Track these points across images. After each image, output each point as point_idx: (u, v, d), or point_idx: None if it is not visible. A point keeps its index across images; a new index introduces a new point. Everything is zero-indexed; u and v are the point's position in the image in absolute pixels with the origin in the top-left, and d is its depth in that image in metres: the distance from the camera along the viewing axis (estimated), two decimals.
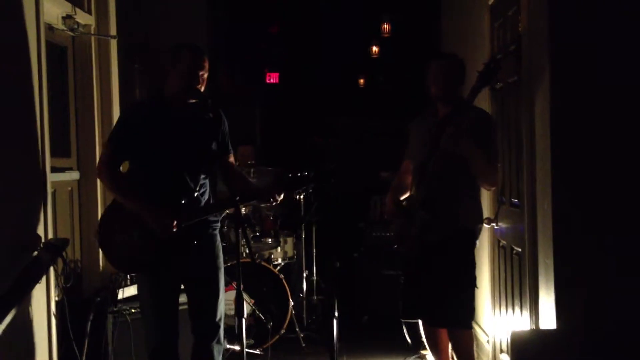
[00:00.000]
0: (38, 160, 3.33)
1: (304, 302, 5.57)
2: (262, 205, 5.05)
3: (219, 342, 3.26)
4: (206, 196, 3.27)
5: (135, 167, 3.24)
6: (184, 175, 3.16)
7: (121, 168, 3.24)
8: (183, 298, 3.33)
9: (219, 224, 3.35)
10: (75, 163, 4.15)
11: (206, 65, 3.15)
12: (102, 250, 3.22)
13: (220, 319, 3.27)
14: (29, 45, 3.26)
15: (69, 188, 4.06)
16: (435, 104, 3.52)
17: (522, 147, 3.39)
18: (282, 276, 4.94)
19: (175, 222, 3.05)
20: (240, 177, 3.40)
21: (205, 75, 3.16)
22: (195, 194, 3.18)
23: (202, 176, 3.23)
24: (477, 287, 3.54)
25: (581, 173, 2.94)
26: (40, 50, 3.35)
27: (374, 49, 9.09)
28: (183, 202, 3.11)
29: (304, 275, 5.66)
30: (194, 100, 3.14)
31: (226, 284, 4.54)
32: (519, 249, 3.50)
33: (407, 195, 3.65)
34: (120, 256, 3.17)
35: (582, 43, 2.94)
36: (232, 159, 3.39)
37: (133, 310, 3.82)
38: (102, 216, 3.32)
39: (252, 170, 5.23)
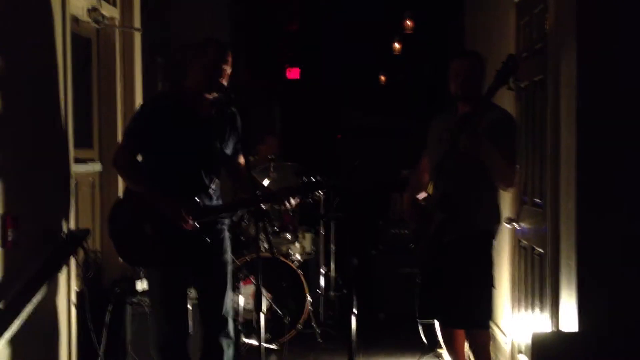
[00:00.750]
0: (62, 151, 3.36)
1: (321, 297, 5.57)
2: (275, 206, 5.05)
3: (227, 336, 3.27)
4: (217, 195, 3.27)
5: (150, 160, 3.23)
6: (199, 172, 3.16)
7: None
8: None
9: (227, 219, 3.35)
10: (97, 154, 4.18)
11: (230, 60, 3.16)
12: (111, 240, 3.23)
13: (227, 313, 3.27)
14: (55, 37, 3.28)
15: (91, 179, 4.09)
16: (456, 101, 3.50)
17: (546, 146, 3.36)
18: (300, 271, 4.94)
19: (189, 219, 3.06)
20: (250, 177, 3.37)
21: (229, 71, 3.16)
22: (210, 191, 3.18)
23: (214, 174, 3.23)
24: (495, 288, 3.51)
25: (606, 174, 2.90)
26: (66, 42, 3.37)
27: (396, 45, 9.04)
28: (197, 199, 3.11)
29: (322, 271, 5.66)
30: (215, 95, 3.14)
31: (244, 278, 4.58)
32: (541, 250, 3.46)
33: (424, 194, 3.62)
34: (130, 249, 3.19)
35: (610, 42, 2.90)
36: (241, 159, 3.37)
37: (149, 303, 3.83)
38: (112, 209, 3.31)
39: (271, 164, 5.23)
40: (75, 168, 3.60)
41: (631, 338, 2.76)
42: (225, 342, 3.27)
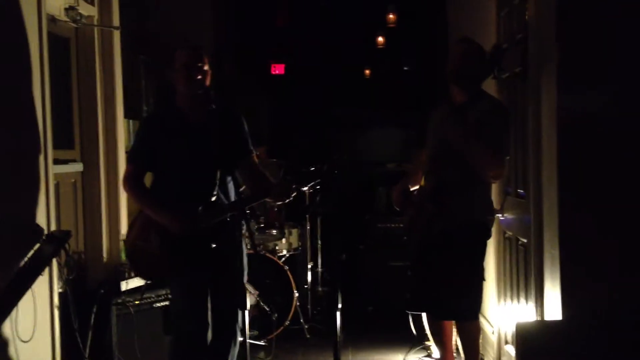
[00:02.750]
0: (41, 152, 3.32)
1: (309, 293, 5.57)
2: (277, 202, 5.03)
3: (235, 343, 3.25)
4: (231, 197, 3.24)
5: (158, 175, 3.30)
6: (203, 178, 3.16)
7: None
8: None
9: (243, 227, 3.29)
10: (78, 155, 4.14)
11: (204, 58, 3.15)
12: (129, 261, 3.31)
13: (239, 325, 3.25)
14: (31, 37, 3.24)
15: (72, 180, 4.05)
16: (452, 90, 3.48)
17: (528, 137, 3.36)
18: (286, 267, 4.94)
19: (194, 226, 3.06)
20: (261, 176, 3.34)
21: (206, 68, 3.14)
22: (214, 196, 3.15)
23: (221, 177, 3.20)
24: (485, 280, 3.51)
25: (588, 164, 2.90)
26: (43, 41, 3.33)
27: (380, 39, 9.03)
28: (200, 207, 3.10)
29: (309, 266, 5.66)
30: (199, 92, 3.12)
31: None
32: (525, 240, 3.47)
33: (418, 185, 3.63)
34: (146, 265, 3.23)
35: (590, 32, 2.90)
36: (254, 158, 3.36)
37: (136, 302, 3.81)
38: (129, 227, 3.39)
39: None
40: (56, 169, 3.56)
41: (613, 326, 2.77)
42: (232, 350, 3.26)
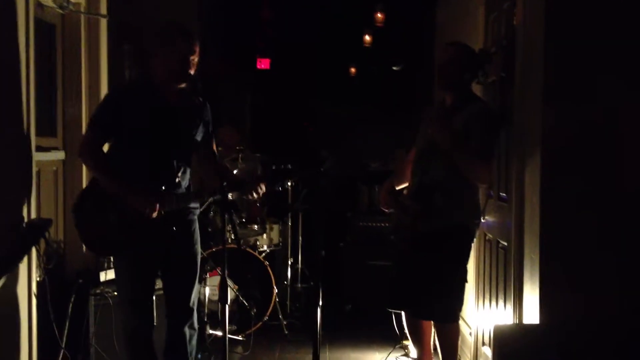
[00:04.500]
0: (22, 139, 3.28)
1: (288, 289, 5.57)
2: (243, 196, 5.03)
3: (192, 327, 3.28)
4: (186, 183, 3.24)
5: (117, 149, 3.20)
6: (165, 161, 3.13)
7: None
8: (158, 284, 3.32)
9: (198, 210, 3.33)
10: (61, 143, 4.10)
11: (197, 49, 3.11)
12: (77, 230, 3.19)
13: (194, 304, 3.27)
14: (17, 22, 3.20)
15: (54, 168, 4.01)
16: (442, 92, 3.51)
17: (511, 141, 3.38)
18: (267, 263, 4.93)
19: (157, 206, 3.03)
20: (220, 166, 3.36)
21: (196, 60, 3.12)
22: (177, 180, 3.15)
23: (183, 163, 3.20)
24: (467, 282, 3.54)
25: (570, 169, 2.93)
26: (29, 27, 3.29)
27: (367, 38, 9.04)
28: (163, 188, 3.08)
29: (289, 262, 5.66)
30: (183, 85, 3.10)
31: (211, 270, 4.56)
32: (505, 243, 3.50)
33: (405, 184, 3.65)
34: (96, 238, 3.15)
35: (578, 39, 2.92)
36: (214, 147, 3.34)
37: (115, 293, 3.78)
38: (78, 196, 3.28)
39: (240, 155, 5.20)
40: (38, 156, 3.52)
41: (591, 331, 2.80)
42: (188, 333, 3.27)
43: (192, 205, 3.25)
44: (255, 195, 3.24)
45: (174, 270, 3.24)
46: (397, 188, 3.68)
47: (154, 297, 3.26)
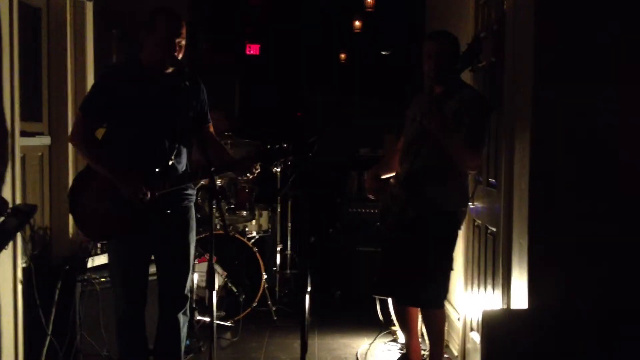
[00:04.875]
0: (6, 123, 3.24)
1: (277, 275, 5.57)
2: (238, 177, 5.01)
3: (185, 313, 3.28)
4: (183, 166, 3.21)
5: (111, 133, 3.17)
6: (158, 144, 3.10)
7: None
8: (152, 269, 3.29)
9: (194, 197, 3.31)
10: (46, 128, 4.05)
11: (184, 32, 3.07)
12: (72, 216, 3.17)
13: (188, 291, 3.25)
14: (1, 5, 3.15)
15: (40, 153, 3.97)
16: (430, 82, 3.49)
17: (501, 127, 3.37)
18: (255, 249, 4.92)
19: (148, 191, 3.00)
20: (218, 147, 3.34)
21: (183, 43, 3.08)
22: (170, 163, 3.12)
23: (178, 145, 3.16)
24: (453, 269, 3.54)
25: (559, 155, 2.92)
26: (13, 10, 3.24)
27: (357, 23, 8.99)
28: (157, 170, 3.06)
29: (278, 249, 5.65)
30: (171, 69, 3.07)
31: (199, 256, 4.54)
32: (494, 229, 3.50)
33: (392, 173, 3.63)
34: (91, 223, 3.13)
35: (569, 23, 2.90)
36: (211, 129, 3.34)
37: (102, 279, 3.77)
38: (73, 181, 3.26)
39: (229, 142, 5.17)
40: (23, 142, 3.49)
41: (578, 316, 2.80)
42: (182, 320, 3.26)
43: (189, 191, 3.22)
44: (249, 175, 3.23)
45: (168, 256, 3.22)
46: (384, 177, 3.66)
47: (147, 282, 3.24)
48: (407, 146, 3.48)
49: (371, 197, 3.74)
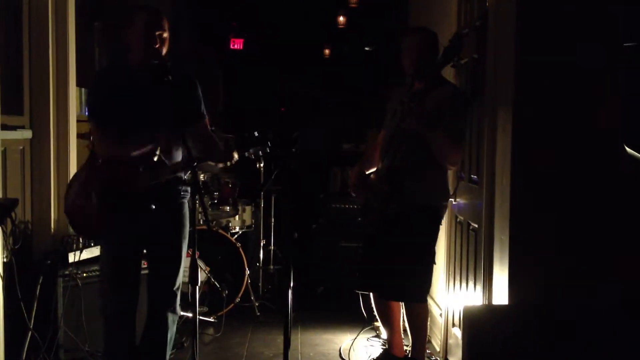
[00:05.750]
0: None
1: (261, 271, 5.57)
2: (221, 171, 5.00)
3: (174, 311, 3.25)
4: (173, 161, 3.18)
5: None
6: (143, 140, 3.08)
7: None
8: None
9: (188, 193, 3.28)
10: (27, 121, 4.02)
11: (164, 24, 3.07)
12: (66, 215, 3.16)
13: (177, 288, 3.24)
14: None
15: (21, 147, 3.94)
16: (409, 77, 3.51)
17: (483, 123, 3.39)
18: (239, 245, 4.91)
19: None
20: (210, 143, 3.31)
21: (165, 35, 3.08)
22: (155, 158, 3.10)
23: (165, 141, 3.14)
24: (435, 263, 3.56)
25: (541, 151, 2.95)
26: None
27: (341, 19, 8.99)
28: (141, 169, 3.04)
29: (261, 244, 5.65)
30: (154, 62, 3.06)
31: None
32: (476, 225, 3.52)
33: (374, 167, 3.65)
34: (82, 221, 3.11)
35: (550, 19, 2.93)
36: (204, 124, 3.30)
37: (84, 275, 3.75)
38: (69, 182, 3.24)
39: None
40: (4, 135, 3.46)
41: (558, 311, 2.83)
42: (170, 318, 3.24)
43: (183, 188, 3.20)
44: (227, 162, 3.23)
45: (159, 251, 3.20)
46: (367, 172, 3.68)
47: (139, 278, 3.22)
48: (388, 141, 3.49)
49: (353, 194, 3.75)
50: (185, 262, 4.40)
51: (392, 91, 3.71)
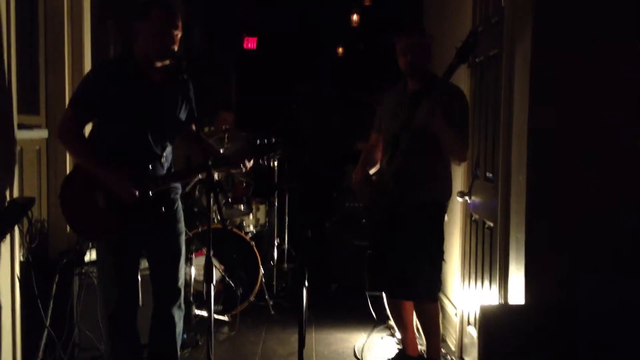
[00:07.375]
0: (4, 116, 3.23)
1: (274, 270, 5.57)
2: (235, 171, 5.01)
3: (179, 307, 3.25)
4: (169, 164, 3.19)
5: (100, 129, 3.11)
6: (150, 141, 3.07)
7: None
8: (144, 264, 3.30)
9: (180, 189, 3.29)
10: (43, 121, 4.04)
11: (179, 24, 3.04)
12: (64, 216, 3.12)
13: (181, 284, 3.24)
14: None
15: (37, 147, 3.96)
16: (405, 78, 3.52)
17: (499, 121, 3.37)
18: (253, 243, 4.92)
19: (136, 190, 2.98)
20: (206, 143, 3.32)
21: (179, 35, 3.05)
22: (162, 160, 3.11)
23: (168, 142, 3.15)
24: (445, 261, 3.55)
25: (557, 148, 2.93)
26: (9, 1, 3.22)
27: (354, 17, 8.98)
28: (150, 167, 3.04)
29: (275, 243, 5.65)
30: (167, 62, 3.04)
31: (197, 250, 4.54)
32: (491, 223, 3.50)
33: (376, 168, 3.63)
34: (82, 223, 3.09)
35: (567, 15, 2.90)
36: (194, 127, 3.28)
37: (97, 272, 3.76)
38: (63, 181, 3.18)
39: (226, 135, 5.16)
40: (20, 135, 3.47)
41: (575, 311, 2.81)
42: (177, 314, 3.24)
43: (174, 184, 3.22)
44: (243, 169, 3.21)
45: (159, 250, 3.20)
46: (371, 172, 3.67)
47: (138, 277, 3.23)
48: (393, 142, 3.47)
49: (357, 195, 3.72)
50: (199, 261, 4.44)
51: (385, 94, 3.71)
